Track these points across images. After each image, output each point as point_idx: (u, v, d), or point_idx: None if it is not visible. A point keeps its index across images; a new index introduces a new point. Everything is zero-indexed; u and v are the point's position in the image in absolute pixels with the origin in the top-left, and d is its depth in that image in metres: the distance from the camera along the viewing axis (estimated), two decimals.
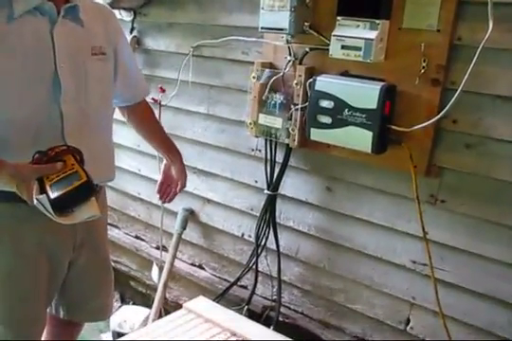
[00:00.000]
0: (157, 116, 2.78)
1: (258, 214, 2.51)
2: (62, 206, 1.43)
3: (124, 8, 2.93)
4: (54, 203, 1.40)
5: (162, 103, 2.79)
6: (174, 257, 2.95)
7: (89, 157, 1.61)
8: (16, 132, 1.60)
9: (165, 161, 2.20)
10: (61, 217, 1.43)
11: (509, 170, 1.83)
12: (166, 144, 2.18)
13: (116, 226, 3.44)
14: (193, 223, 2.95)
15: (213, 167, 2.76)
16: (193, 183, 2.85)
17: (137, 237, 3.37)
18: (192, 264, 3.05)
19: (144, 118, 2.15)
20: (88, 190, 1.47)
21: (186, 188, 2.82)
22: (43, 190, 1.43)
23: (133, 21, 2.96)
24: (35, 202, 1.41)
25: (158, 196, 2.24)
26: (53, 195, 1.41)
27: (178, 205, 2.94)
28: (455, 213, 1.98)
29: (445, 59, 1.84)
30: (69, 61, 1.66)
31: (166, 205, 2.87)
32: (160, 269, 2.99)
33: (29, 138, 1.62)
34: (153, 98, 2.76)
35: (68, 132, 1.68)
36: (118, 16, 2.92)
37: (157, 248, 3.16)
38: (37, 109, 1.62)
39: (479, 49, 1.69)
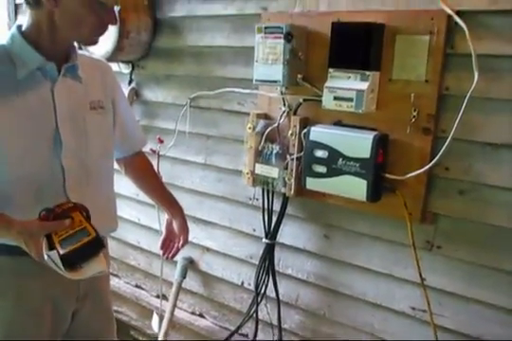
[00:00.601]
0: (156, 166, 2.82)
1: (257, 262, 2.52)
2: (72, 261, 1.44)
3: (123, 61, 3.01)
4: (64, 258, 1.42)
5: (160, 153, 2.84)
6: (175, 306, 2.95)
7: (92, 210, 1.63)
8: (19, 188, 1.63)
9: (166, 216, 2.19)
10: (70, 272, 1.44)
11: (503, 216, 1.85)
12: (165, 198, 2.18)
13: (116, 275, 3.44)
14: (193, 271, 2.96)
15: (212, 216, 2.78)
16: (193, 232, 2.83)
17: (137, 286, 3.37)
18: (193, 313, 3.04)
19: (142, 171, 2.16)
20: (97, 246, 1.48)
21: None
22: (52, 246, 1.44)
23: (131, 73, 3.03)
24: (46, 257, 1.42)
25: (161, 252, 2.21)
26: (63, 251, 1.42)
27: (178, 253, 2.95)
28: (451, 259, 1.99)
29: (434, 108, 1.89)
30: (69, 117, 1.70)
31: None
32: (161, 318, 2.98)
33: (32, 194, 1.64)
34: (151, 149, 2.81)
35: (70, 186, 1.71)
36: (117, 69, 3.00)
37: (158, 297, 3.15)
38: (39, 165, 1.65)
39: (466, 99, 1.76)
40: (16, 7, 3.74)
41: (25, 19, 1.63)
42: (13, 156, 1.61)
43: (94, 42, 1.67)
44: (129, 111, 2.11)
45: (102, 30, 1.64)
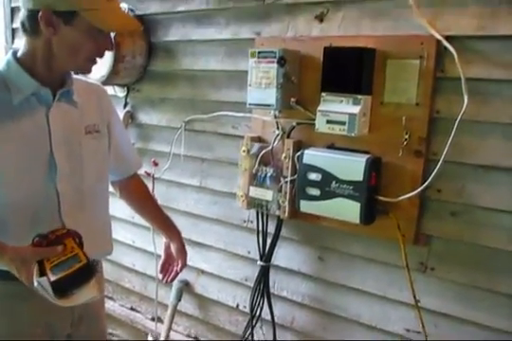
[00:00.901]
0: (151, 189, 2.84)
1: (252, 284, 2.52)
2: (62, 288, 1.43)
3: (118, 85, 3.03)
4: (54, 285, 1.41)
5: (155, 176, 2.85)
6: (170, 328, 2.94)
7: (87, 234, 1.64)
8: (14, 213, 1.63)
9: (164, 239, 2.18)
10: (61, 299, 1.43)
11: (495, 238, 1.86)
12: (162, 221, 2.17)
13: (111, 298, 3.43)
14: (188, 294, 2.96)
15: (207, 238, 2.79)
16: (188, 254, 2.87)
17: (132, 308, 3.35)
18: (188, 336, 3.03)
19: (137, 193, 2.16)
20: (88, 273, 1.47)
21: None
22: (43, 273, 1.44)
23: (126, 96, 3.06)
24: (36, 284, 1.42)
25: (161, 276, 2.19)
26: (54, 278, 1.41)
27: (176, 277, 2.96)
28: (445, 280, 2.00)
29: (425, 131, 1.92)
30: (64, 141, 1.71)
31: (160, 276, 2.89)
32: None
33: (27, 219, 1.65)
34: (146, 172, 2.82)
35: (65, 211, 1.71)
36: (112, 92, 3.02)
37: (153, 320, 3.14)
38: (34, 190, 1.66)
39: (457, 122, 1.79)
40: (13, 31, 3.79)
41: (21, 45, 1.65)
42: (8, 181, 1.62)
43: (89, 69, 1.68)
44: (124, 134, 2.12)
45: (99, 57, 1.65)
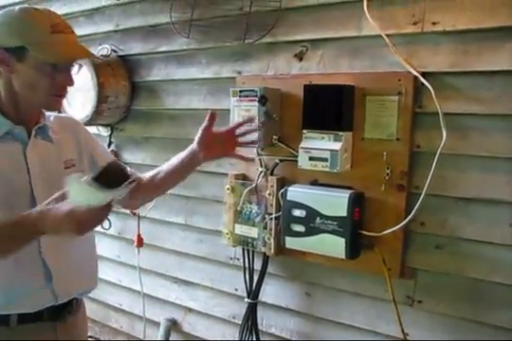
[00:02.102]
0: (136, 228, 2.85)
1: (240, 322, 2.50)
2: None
3: (102, 125, 3.05)
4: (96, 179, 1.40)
5: (141, 215, 2.85)
6: None
7: (69, 270, 1.63)
8: None
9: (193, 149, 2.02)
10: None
11: (480, 269, 1.88)
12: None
13: (98, 339, 3.38)
14: (176, 332, 2.93)
15: (193, 276, 2.78)
16: (174, 292, 2.87)
17: None
18: None
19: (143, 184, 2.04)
20: (119, 168, 1.47)
21: (167, 298, 2.85)
22: None
23: (110, 136, 3.08)
24: (88, 181, 1.40)
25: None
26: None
27: (160, 314, 2.94)
28: (433, 313, 2.01)
29: (407, 165, 1.95)
30: (44, 178, 1.70)
31: (148, 315, 2.88)
32: None
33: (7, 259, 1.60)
34: (131, 211, 2.82)
35: (46, 248, 1.69)
36: (97, 132, 3.04)
37: None
38: None
39: (437, 156, 1.82)
40: None
41: None
42: None
43: (54, 105, 1.67)
44: (109, 154, 2.13)
45: (59, 92, 1.63)
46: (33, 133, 1.69)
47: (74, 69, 1.68)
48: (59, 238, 1.72)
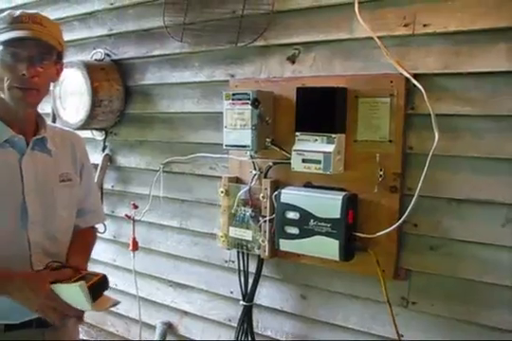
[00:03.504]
0: (131, 231, 2.84)
1: (236, 325, 2.50)
2: (95, 293, 1.52)
3: (96, 129, 3.06)
4: (91, 288, 1.50)
5: (136, 218, 2.85)
6: None
7: None
8: None
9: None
10: (94, 303, 1.52)
11: (473, 270, 1.89)
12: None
13: None
14: (172, 335, 2.93)
15: (189, 279, 2.78)
16: (170, 296, 2.87)
17: None
18: None
19: (77, 236, 1.90)
20: (106, 283, 1.61)
21: (163, 301, 2.85)
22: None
23: (104, 140, 3.09)
24: (78, 285, 1.49)
25: None
26: (88, 284, 1.51)
27: (156, 318, 2.94)
28: (427, 314, 2.01)
29: (399, 167, 1.96)
30: (37, 189, 1.71)
31: (144, 319, 2.88)
32: None
33: None
34: (126, 215, 2.83)
35: (36, 259, 1.69)
36: (91, 136, 3.05)
37: None
38: (4, 237, 1.64)
39: (429, 157, 1.83)
40: None
41: None
42: None
43: (20, 98, 1.61)
44: (93, 186, 2.09)
45: (23, 84, 1.58)
46: (31, 144, 1.70)
47: (45, 62, 1.63)
48: (50, 250, 1.73)
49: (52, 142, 1.77)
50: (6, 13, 1.63)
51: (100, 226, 2.11)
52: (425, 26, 1.88)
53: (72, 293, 1.52)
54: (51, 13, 2.91)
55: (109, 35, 2.99)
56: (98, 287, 1.56)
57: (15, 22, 1.59)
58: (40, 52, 1.60)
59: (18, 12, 1.62)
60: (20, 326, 1.67)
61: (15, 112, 1.66)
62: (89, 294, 1.50)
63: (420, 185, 1.85)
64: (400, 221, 1.92)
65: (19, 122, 1.68)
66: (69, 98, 2.95)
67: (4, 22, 1.60)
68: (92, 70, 2.83)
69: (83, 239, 1.93)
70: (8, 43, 1.56)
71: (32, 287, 1.53)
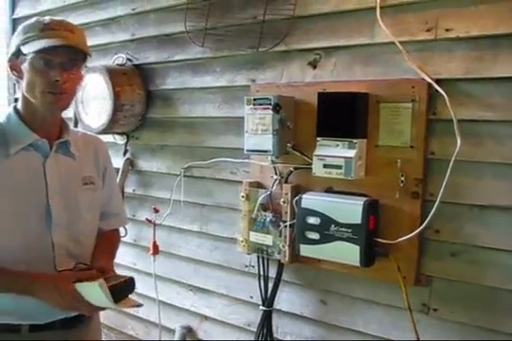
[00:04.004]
0: (151, 235, 2.86)
1: (255, 330, 2.50)
2: (116, 293, 1.56)
3: (117, 133, 3.08)
4: (112, 289, 1.54)
5: (156, 223, 2.87)
6: None
7: None
8: (8, 263, 1.62)
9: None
10: (115, 303, 1.56)
11: (496, 277, 1.86)
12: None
13: None
14: (192, 340, 2.93)
15: (209, 283, 2.78)
16: (190, 300, 2.88)
17: None
18: None
19: (101, 239, 1.95)
20: (132, 285, 1.65)
21: (183, 305, 2.85)
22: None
23: (126, 144, 3.11)
24: (97, 283, 1.53)
25: None
26: (109, 284, 1.56)
27: (176, 322, 2.94)
28: (448, 321, 1.99)
29: (421, 172, 1.94)
30: (61, 192, 1.73)
31: (163, 322, 2.88)
32: None
33: (21, 269, 1.63)
34: (146, 219, 2.85)
35: (60, 261, 1.71)
36: (112, 140, 3.07)
37: None
38: (29, 240, 1.67)
39: (451, 162, 1.81)
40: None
41: None
42: (3, 231, 1.63)
43: (52, 103, 1.64)
44: (116, 190, 2.11)
45: (55, 89, 1.62)
46: (55, 147, 1.73)
47: (76, 68, 1.67)
48: (73, 253, 1.75)
49: (75, 146, 1.80)
50: (34, 20, 1.66)
51: (120, 230, 2.12)
52: (447, 30, 1.87)
53: (94, 291, 1.54)
54: (75, 19, 2.94)
55: (131, 40, 3.01)
56: (122, 288, 1.59)
57: (46, 29, 1.62)
58: (71, 58, 1.64)
59: (47, 19, 1.65)
60: (44, 327, 1.70)
61: (42, 116, 1.70)
62: (109, 292, 1.52)
63: (442, 190, 1.84)
64: (422, 227, 1.90)
65: (45, 126, 1.71)
66: (91, 102, 2.97)
67: (34, 29, 1.62)
68: (114, 75, 2.85)
69: (108, 241, 1.96)
70: (42, 51, 1.59)
71: (57, 286, 1.57)
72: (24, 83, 1.64)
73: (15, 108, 1.72)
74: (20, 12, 3.84)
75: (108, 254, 1.94)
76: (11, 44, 1.67)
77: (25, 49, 1.60)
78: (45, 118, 1.71)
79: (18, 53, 1.63)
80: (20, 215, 1.65)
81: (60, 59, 1.61)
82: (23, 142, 1.67)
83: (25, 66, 1.62)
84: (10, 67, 1.67)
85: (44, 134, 1.70)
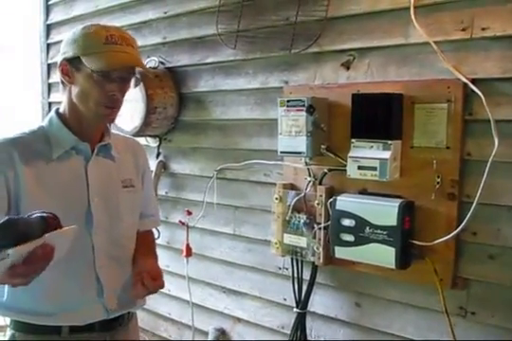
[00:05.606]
0: (185, 238, 2.87)
1: (289, 332, 2.49)
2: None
3: (150, 135, 3.10)
4: None
5: (190, 225, 2.88)
6: None
7: (123, 287, 1.65)
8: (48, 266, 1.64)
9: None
10: None
11: None
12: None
13: None
14: None
15: (242, 286, 2.78)
16: (223, 302, 2.88)
17: None
18: None
19: (143, 241, 1.97)
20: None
21: (216, 307, 2.85)
22: None
23: (158, 147, 3.12)
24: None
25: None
26: None
27: (209, 324, 2.95)
28: (487, 325, 1.96)
29: (457, 174, 1.92)
30: (102, 194, 1.75)
31: (196, 324, 2.89)
32: None
33: (61, 272, 1.64)
34: (180, 221, 2.86)
35: (100, 263, 1.74)
36: (145, 142, 3.09)
37: None
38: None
39: (488, 163, 1.79)
40: (50, 85, 3.92)
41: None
42: None
43: (105, 116, 1.68)
44: (152, 192, 2.14)
45: (110, 103, 1.65)
46: (96, 150, 1.75)
47: (130, 82, 1.71)
48: (113, 255, 1.77)
49: (116, 149, 1.82)
50: (96, 28, 1.64)
51: (154, 232, 2.14)
52: (483, 29, 1.84)
53: None
54: (107, 23, 2.95)
55: (163, 43, 3.03)
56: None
57: (109, 43, 1.61)
58: (129, 73, 1.67)
59: (111, 30, 1.64)
60: (84, 328, 1.72)
61: (88, 124, 1.72)
62: None
63: (479, 192, 1.81)
64: (459, 229, 1.88)
65: (89, 132, 1.73)
66: (124, 105, 2.99)
67: (97, 41, 1.61)
68: (146, 78, 2.87)
69: (147, 241, 1.99)
70: (108, 67, 1.59)
71: None
72: (75, 91, 1.65)
73: (57, 112, 1.74)
74: (54, 18, 3.90)
75: (151, 254, 1.97)
76: (66, 47, 1.64)
77: (87, 62, 1.58)
78: (90, 126, 1.73)
79: (75, 60, 1.61)
80: (62, 217, 1.66)
81: (119, 74, 1.64)
82: (65, 146, 1.69)
83: (81, 75, 1.62)
84: (62, 71, 1.65)
85: (86, 137, 1.72)
